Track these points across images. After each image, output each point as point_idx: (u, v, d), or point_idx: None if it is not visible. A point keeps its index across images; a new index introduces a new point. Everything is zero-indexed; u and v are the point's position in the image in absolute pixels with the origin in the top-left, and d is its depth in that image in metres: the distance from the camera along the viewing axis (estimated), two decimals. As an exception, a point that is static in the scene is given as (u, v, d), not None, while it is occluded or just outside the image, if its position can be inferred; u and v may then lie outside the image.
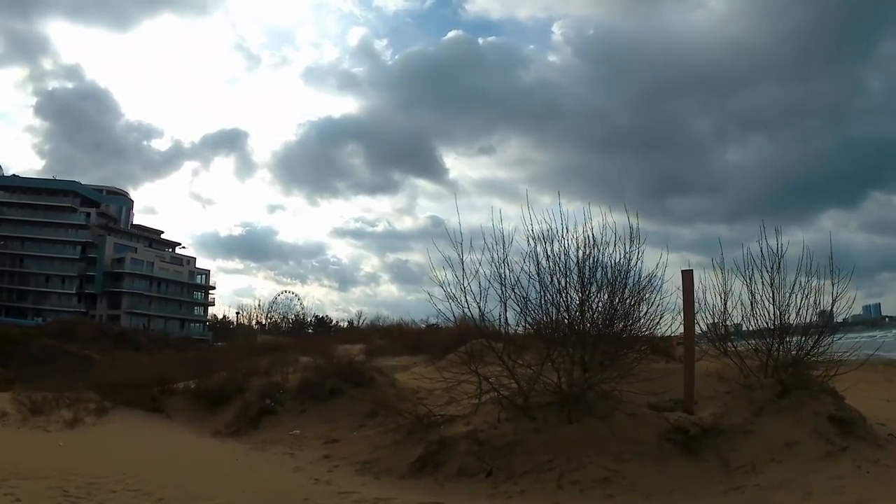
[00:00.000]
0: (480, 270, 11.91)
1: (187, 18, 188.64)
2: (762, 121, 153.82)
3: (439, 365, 16.00)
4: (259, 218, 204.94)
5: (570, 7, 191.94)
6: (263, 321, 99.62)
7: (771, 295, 11.75)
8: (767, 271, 11.70)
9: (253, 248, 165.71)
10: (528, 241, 11.92)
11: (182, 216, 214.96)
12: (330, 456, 12.69)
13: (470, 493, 9.70)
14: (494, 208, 11.91)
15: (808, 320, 11.73)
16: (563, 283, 11.77)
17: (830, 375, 11.24)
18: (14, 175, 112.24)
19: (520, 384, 11.46)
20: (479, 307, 12.02)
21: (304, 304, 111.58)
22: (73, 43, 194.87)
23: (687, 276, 11.84)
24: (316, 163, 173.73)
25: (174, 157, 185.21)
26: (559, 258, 11.80)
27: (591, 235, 11.73)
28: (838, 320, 12.23)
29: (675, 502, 8.93)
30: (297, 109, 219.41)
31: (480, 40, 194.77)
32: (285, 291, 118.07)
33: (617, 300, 11.84)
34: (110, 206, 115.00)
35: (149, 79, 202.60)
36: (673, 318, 12.41)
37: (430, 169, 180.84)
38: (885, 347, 19.25)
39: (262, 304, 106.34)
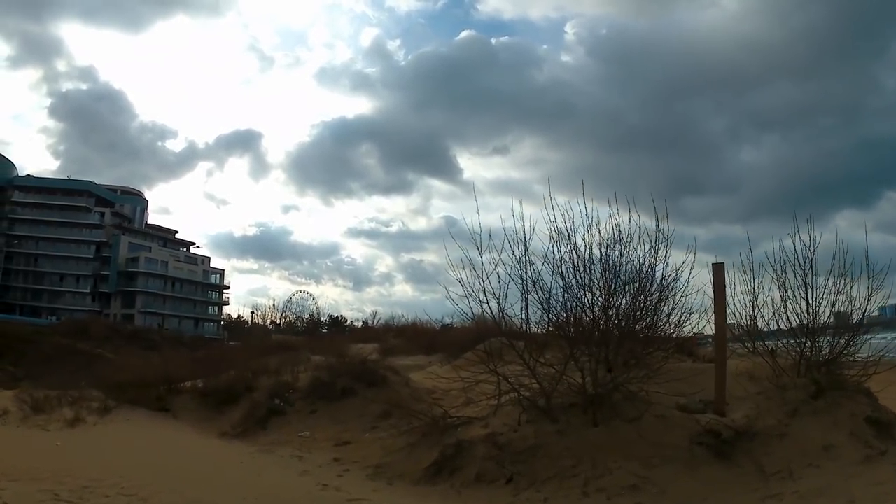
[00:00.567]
0: (499, 268, 11.38)
1: (200, 20, 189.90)
2: (776, 120, 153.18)
3: (456, 364, 15.43)
4: (273, 218, 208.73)
5: (583, 6, 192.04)
6: (278, 321, 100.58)
7: (804, 291, 11.13)
8: (800, 266, 11.09)
9: (267, 248, 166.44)
10: (551, 235, 11.39)
11: (196, 216, 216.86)
12: (340, 459, 12.16)
13: (489, 501, 9.26)
14: (514, 202, 11.34)
15: (841, 318, 11.25)
16: (586, 279, 11.23)
17: (869, 375, 10.71)
18: (29, 175, 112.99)
19: (541, 384, 10.90)
20: (499, 304, 11.42)
21: (319, 303, 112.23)
22: (86, 45, 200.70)
23: (718, 269, 11.14)
24: (330, 163, 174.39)
25: (188, 157, 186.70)
26: (583, 254, 11.27)
27: (616, 231, 11.21)
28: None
29: (710, 510, 8.33)
30: (311, 110, 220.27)
31: (493, 40, 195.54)
32: (300, 291, 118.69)
33: (643, 297, 11.21)
34: (125, 205, 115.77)
35: (163, 80, 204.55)
36: (699, 315, 11.75)
37: (444, 169, 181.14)
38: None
39: (276, 304, 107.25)
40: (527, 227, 11.31)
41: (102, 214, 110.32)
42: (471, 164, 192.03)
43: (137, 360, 23.75)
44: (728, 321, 11.46)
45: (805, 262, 11.04)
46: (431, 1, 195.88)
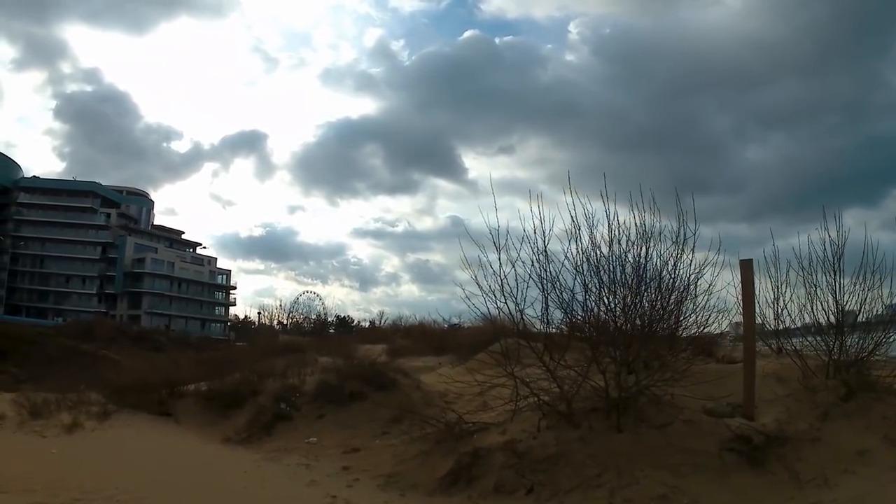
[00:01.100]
0: (515, 268, 10.82)
1: (203, 21, 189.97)
2: (781, 118, 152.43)
3: (469, 366, 14.99)
4: (279, 219, 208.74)
5: (586, 6, 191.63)
6: (285, 321, 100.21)
7: (833, 288, 10.73)
8: (829, 262, 10.69)
9: (273, 248, 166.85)
10: (568, 231, 10.77)
11: (202, 217, 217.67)
12: (349, 468, 11.60)
13: (508, 512, 8.62)
14: (530, 198, 10.64)
15: (869, 317, 10.87)
16: (608, 277, 10.67)
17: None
18: (34, 177, 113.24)
19: (561, 388, 10.35)
20: (516, 302, 10.85)
21: (326, 304, 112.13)
22: (91, 47, 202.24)
23: (746, 266, 10.66)
24: (335, 163, 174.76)
25: (194, 158, 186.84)
26: (604, 251, 10.70)
27: (641, 226, 10.67)
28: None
29: (745, 522, 7.93)
30: (316, 110, 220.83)
31: (497, 40, 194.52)
32: (307, 292, 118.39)
33: (667, 295, 10.66)
34: (130, 206, 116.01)
35: (167, 82, 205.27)
36: (721, 315, 11.44)
37: (450, 169, 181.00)
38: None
39: (283, 305, 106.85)
40: (543, 224, 10.71)
41: (108, 215, 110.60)
42: (476, 164, 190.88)
43: (139, 362, 23.14)
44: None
45: (834, 259, 10.66)
46: (435, 1, 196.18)
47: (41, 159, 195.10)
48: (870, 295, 10.66)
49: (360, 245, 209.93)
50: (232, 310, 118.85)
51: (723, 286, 10.96)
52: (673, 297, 10.64)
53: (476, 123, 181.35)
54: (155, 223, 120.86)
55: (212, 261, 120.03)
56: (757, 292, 10.89)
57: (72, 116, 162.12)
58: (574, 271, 10.79)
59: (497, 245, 10.64)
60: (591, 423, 9.83)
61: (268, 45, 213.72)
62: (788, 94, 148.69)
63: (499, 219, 10.58)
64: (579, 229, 10.61)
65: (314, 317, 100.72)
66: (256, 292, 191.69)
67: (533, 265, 10.71)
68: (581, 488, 8.86)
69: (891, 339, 10.85)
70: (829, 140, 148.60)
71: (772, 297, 11.15)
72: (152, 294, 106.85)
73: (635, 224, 10.66)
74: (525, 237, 10.63)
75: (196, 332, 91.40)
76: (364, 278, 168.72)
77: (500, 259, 10.67)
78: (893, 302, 10.84)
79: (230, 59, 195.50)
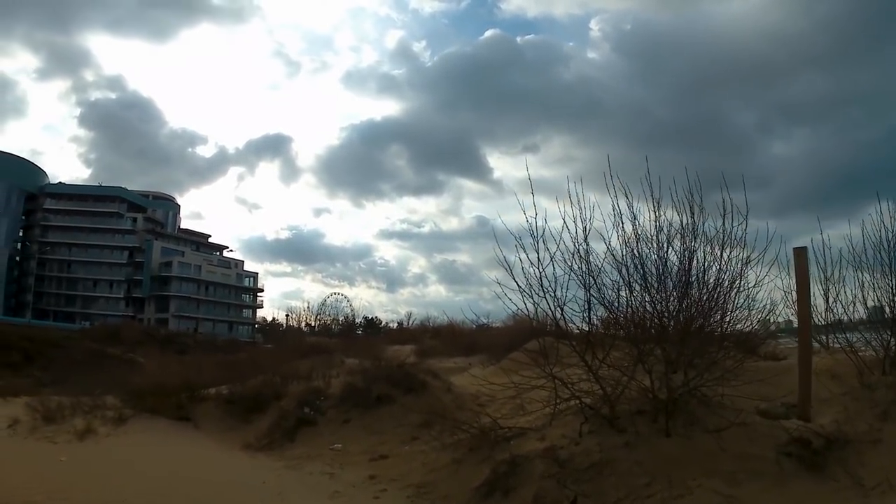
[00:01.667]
0: (554, 262, 9.99)
1: (225, 27, 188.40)
2: (805, 112, 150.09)
3: (502, 366, 14.43)
4: (305, 221, 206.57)
5: (606, 2, 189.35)
6: (313, 323, 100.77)
7: (892, 280, 9.93)
8: (886, 251, 9.96)
9: (300, 251, 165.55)
10: (612, 215, 9.89)
11: (229, 221, 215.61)
12: (376, 477, 10.88)
13: (551, 527, 7.94)
14: (573, 189, 9.85)
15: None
16: (657, 270, 9.90)
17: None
18: (60, 182, 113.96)
19: (604, 389, 9.53)
20: (556, 297, 9.97)
21: (353, 305, 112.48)
22: (114, 55, 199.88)
23: (800, 254, 9.81)
24: (360, 165, 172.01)
25: (219, 162, 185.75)
26: (650, 243, 9.91)
27: (689, 219, 9.80)
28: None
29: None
30: (339, 113, 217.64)
31: (518, 39, 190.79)
32: (334, 293, 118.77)
33: (717, 290, 9.81)
34: (157, 210, 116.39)
35: (191, 87, 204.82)
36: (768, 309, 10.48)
37: (475, 169, 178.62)
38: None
39: (311, 307, 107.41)
40: (584, 212, 9.93)
41: (135, 220, 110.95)
42: (501, 164, 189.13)
43: (158, 365, 22.62)
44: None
45: (891, 248, 9.91)
46: (455, 1, 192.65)
47: (67, 166, 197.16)
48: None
49: (386, 246, 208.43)
50: (259, 312, 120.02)
51: (767, 281, 10.10)
52: (720, 291, 9.83)
53: (499, 123, 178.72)
54: (181, 227, 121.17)
55: (239, 263, 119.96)
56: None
57: (96, 123, 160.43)
58: (618, 263, 9.99)
59: (535, 235, 9.86)
60: (637, 428, 9.04)
61: (289, 49, 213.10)
62: (811, 88, 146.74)
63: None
64: (621, 218, 9.85)
65: (342, 318, 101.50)
66: (284, 294, 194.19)
67: (574, 258, 9.92)
68: (629, 499, 8.07)
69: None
70: (854, 133, 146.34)
71: (822, 289, 10.49)
72: (179, 297, 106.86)
73: (680, 219, 9.92)
74: (564, 226, 9.88)
75: (223, 335, 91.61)
76: (391, 279, 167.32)
77: (537, 250, 9.88)
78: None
79: (252, 63, 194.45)
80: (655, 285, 9.88)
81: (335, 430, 14.16)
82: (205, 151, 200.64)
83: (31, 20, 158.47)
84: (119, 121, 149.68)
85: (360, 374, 15.98)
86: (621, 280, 10.01)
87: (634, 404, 9.41)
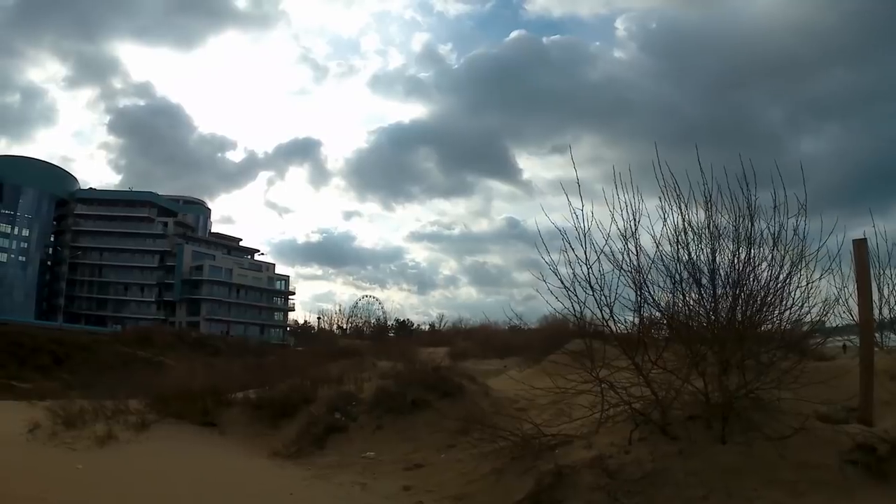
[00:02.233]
0: (600, 259, 9.34)
1: (251, 33, 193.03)
2: (834, 108, 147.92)
3: (542, 369, 13.66)
4: (336, 224, 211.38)
5: (632, 1, 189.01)
6: (344, 325, 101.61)
7: None
8: None
9: (331, 254, 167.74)
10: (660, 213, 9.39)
11: (259, 225, 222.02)
12: (411, 488, 10.16)
13: (602, 544, 7.41)
14: (615, 171, 9.28)
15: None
16: (708, 267, 9.29)
17: None
18: (91, 188, 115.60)
19: (656, 394, 8.79)
20: (605, 295, 9.30)
21: (385, 308, 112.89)
22: (141, 62, 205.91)
23: (860, 246, 9.20)
24: (389, 168, 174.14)
25: (249, 167, 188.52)
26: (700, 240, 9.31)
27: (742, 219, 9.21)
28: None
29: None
30: (367, 116, 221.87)
31: (544, 39, 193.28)
32: (366, 296, 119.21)
33: (771, 288, 9.17)
34: (188, 215, 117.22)
35: (219, 93, 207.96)
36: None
37: (504, 170, 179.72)
38: None
39: (342, 309, 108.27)
40: (633, 201, 9.32)
41: (165, 224, 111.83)
42: (530, 165, 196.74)
43: (186, 367, 22.10)
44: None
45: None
46: (479, 3, 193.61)
47: (98, 173, 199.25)
48: None
49: (416, 249, 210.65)
50: (291, 315, 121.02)
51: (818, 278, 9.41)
52: (775, 288, 9.19)
53: (528, 124, 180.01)
54: (212, 231, 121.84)
55: (270, 266, 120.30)
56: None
57: (126, 130, 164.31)
58: (671, 260, 9.38)
59: (581, 227, 9.20)
60: (691, 434, 8.39)
61: (316, 54, 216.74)
62: (840, 83, 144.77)
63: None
64: (670, 214, 9.33)
65: (373, 321, 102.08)
66: (315, 297, 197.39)
67: (624, 255, 9.27)
68: (685, 512, 7.83)
69: None
70: (884, 128, 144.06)
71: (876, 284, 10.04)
72: (211, 301, 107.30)
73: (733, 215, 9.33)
74: (613, 221, 9.20)
75: (255, 338, 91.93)
76: (422, 281, 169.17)
77: (584, 245, 9.26)
78: None
79: (280, 69, 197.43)
80: (708, 283, 9.27)
81: (367, 437, 13.56)
82: (234, 156, 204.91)
83: (59, 30, 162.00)
84: (148, 127, 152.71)
85: (394, 377, 15.34)
86: (671, 278, 9.41)
87: (686, 409, 8.76)
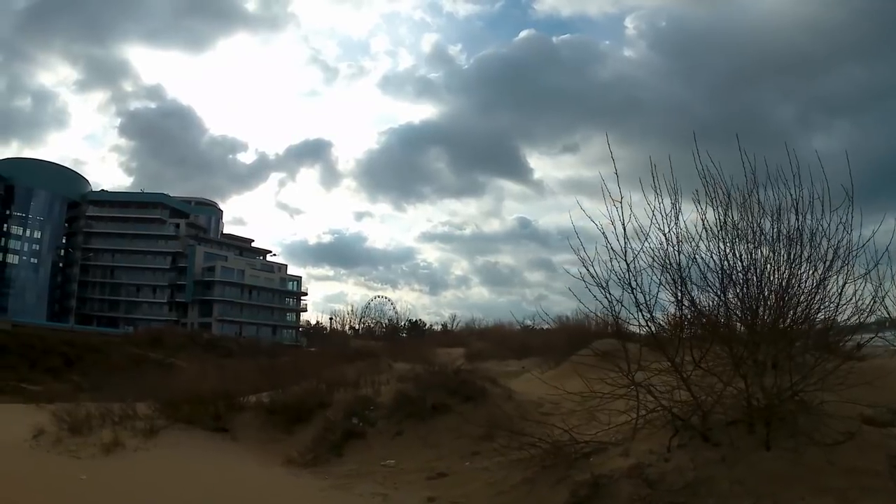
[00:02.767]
0: (638, 255, 8.97)
1: (260, 35, 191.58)
2: (846, 105, 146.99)
3: (567, 370, 13.69)
4: (347, 225, 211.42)
5: (641, 0, 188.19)
6: (357, 326, 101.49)
7: None
8: None
9: (342, 254, 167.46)
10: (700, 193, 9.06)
11: (271, 226, 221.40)
12: (436, 499, 9.66)
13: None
14: (652, 165, 8.94)
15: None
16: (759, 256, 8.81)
17: None
18: (103, 190, 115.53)
19: (695, 397, 8.30)
20: (644, 293, 8.88)
21: (397, 308, 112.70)
22: (151, 65, 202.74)
23: None
24: (400, 169, 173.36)
25: (260, 169, 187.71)
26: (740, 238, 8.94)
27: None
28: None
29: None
30: (378, 117, 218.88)
31: (554, 38, 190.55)
32: (378, 296, 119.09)
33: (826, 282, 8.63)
34: (199, 216, 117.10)
35: (230, 95, 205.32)
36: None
37: (515, 170, 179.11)
38: None
39: (354, 309, 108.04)
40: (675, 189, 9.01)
41: (177, 225, 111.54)
42: (541, 164, 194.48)
43: (197, 369, 21.58)
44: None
45: None
46: (488, 3, 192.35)
47: (109, 175, 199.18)
48: None
49: (428, 249, 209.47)
50: (303, 316, 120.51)
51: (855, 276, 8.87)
52: (817, 285, 8.73)
53: (538, 123, 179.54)
54: (224, 232, 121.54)
55: (282, 267, 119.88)
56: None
57: (137, 133, 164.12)
58: (714, 254, 8.94)
59: (621, 213, 8.70)
60: (733, 440, 7.92)
61: (326, 55, 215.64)
62: (851, 80, 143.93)
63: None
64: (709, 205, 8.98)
65: (386, 321, 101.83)
66: (327, 298, 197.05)
67: (665, 252, 8.86)
68: (731, 524, 7.11)
69: None
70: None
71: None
72: (223, 302, 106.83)
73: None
74: (652, 221, 8.86)
75: (267, 339, 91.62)
76: (434, 282, 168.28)
77: (625, 238, 8.74)
78: None
79: (290, 70, 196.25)
80: (750, 278, 8.82)
81: (387, 444, 13.06)
82: (245, 158, 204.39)
83: (69, 34, 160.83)
84: (159, 129, 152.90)
85: (412, 380, 14.86)
86: (714, 275, 8.94)
87: (728, 413, 8.28)
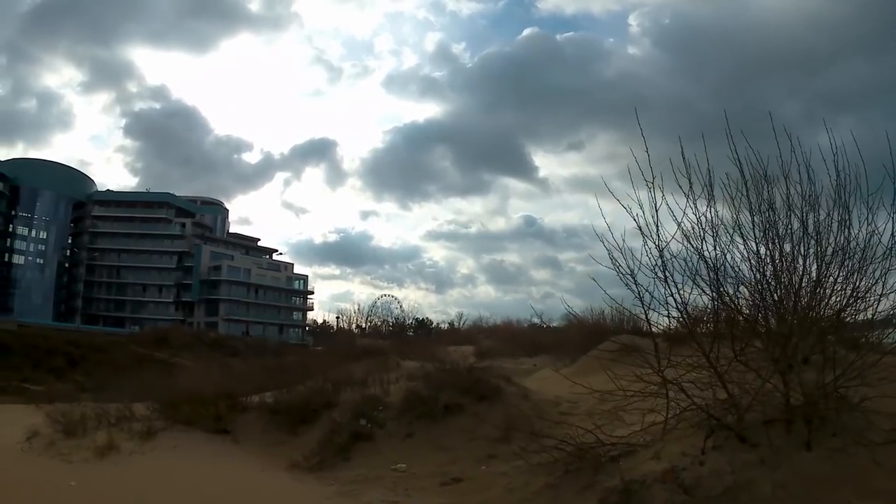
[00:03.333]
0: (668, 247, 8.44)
1: (264, 36, 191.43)
2: (851, 100, 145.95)
3: (581, 367, 13.34)
4: (353, 224, 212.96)
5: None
6: (364, 324, 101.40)
7: None
8: None
9: (348, 253, 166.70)
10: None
11: (276, 225, 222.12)
12: None
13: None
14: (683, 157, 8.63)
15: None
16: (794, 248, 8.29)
17: None
18: (108, 190, 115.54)
19: (731, 395, 7.69)
20: (675, 283, 8.29)
21: (404, 306, 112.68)
22: (155, 66, 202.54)
23: None
24: (405, 168, 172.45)
25: (265, 168, 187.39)
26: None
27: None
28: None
29: None
30: (383, 116, 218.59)
31: (557, 36, 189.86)
32: (385, 295, 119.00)
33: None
34: (205, 215, 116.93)
35: (234, 96, 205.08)
36: None
37: (520, 168, 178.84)
38: None
39: (361, 308, 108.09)
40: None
41: (183, 225, 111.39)
42: (546, 162, 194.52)
43: (198, 368, 20.98)
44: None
45: None
46: (492, 2, 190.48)
47: (115, 176, 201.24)
48: None
49: (434, 248, 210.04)
50: (310, 315, 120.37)
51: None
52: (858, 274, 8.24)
53: (543, 121, 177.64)
54: (230, 231, 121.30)
55: (288, 266, 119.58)
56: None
57: (142, 133, 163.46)
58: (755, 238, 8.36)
59: (652, 194, 8.14)
60: (771, 440, 7.30)
61: (330, 55, 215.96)
62: (857, 75, 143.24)
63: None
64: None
65: (393, 320, 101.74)
66: (333, 297, 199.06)
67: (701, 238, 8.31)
68: (777, 532, 6.51)
69: None
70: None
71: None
72: (229, 301, 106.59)
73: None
74: (687, 205, 8.48)
75: (274, 338, 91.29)
76: (440, 280, 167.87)
77: (657, 224, 8.18)
78: None
79: (294, 70, 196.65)
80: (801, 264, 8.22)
81: (397, 446, 12.35)
82: (250, 158, 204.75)
83: (73, 36, 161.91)
84: (164, 130, 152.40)
85: (423, 379, 14.14)
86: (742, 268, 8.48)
87: (766, 412, 7.62)
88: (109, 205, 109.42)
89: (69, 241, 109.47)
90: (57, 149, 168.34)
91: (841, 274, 8.13)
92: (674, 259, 8.32)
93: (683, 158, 8.51)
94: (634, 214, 8.28)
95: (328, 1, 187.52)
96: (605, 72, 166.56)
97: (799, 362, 7.73)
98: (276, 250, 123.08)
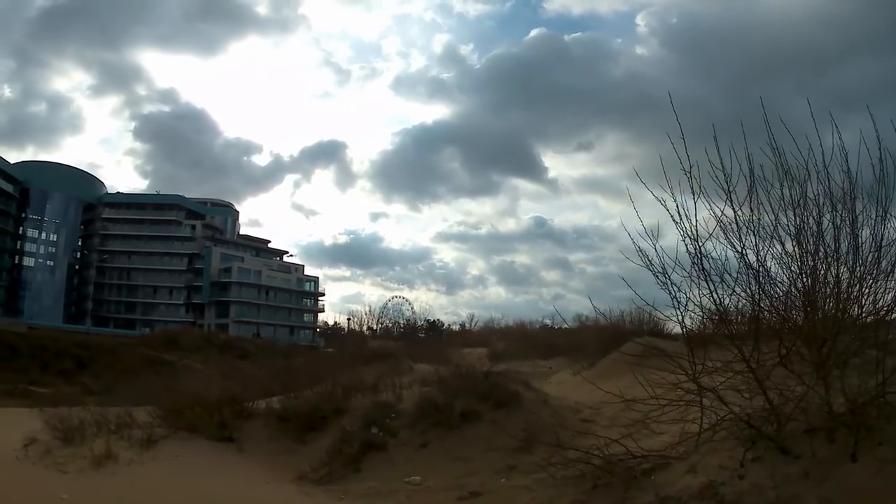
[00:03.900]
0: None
1: (272, 38, 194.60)
2: (860, 99, 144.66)
3: (600, 371, 13.20)
4: (363, 226, 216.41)
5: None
6: (374, 326, 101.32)
7: None
8: None
9: (358, 255, 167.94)
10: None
11: (286, 227, 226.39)
12: None
13: None
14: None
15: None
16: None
17: None
18: (118, 192, 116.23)
19: (771, 402, 7.27)
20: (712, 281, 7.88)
21: (414, 308, 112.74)
22: (165, 69, 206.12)
23: None
24: (414, 169, 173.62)
25: (275, 170, 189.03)
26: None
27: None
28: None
29: None
30: (391, 118, 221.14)
31: (565, 37, 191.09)
32: (396, 296, 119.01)
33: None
34: (215, 217, 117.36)
35: (243, 98, 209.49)
36: None
37: (529, 169, 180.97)
38: None
39: (371, 310, 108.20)
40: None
41: (193, 227, 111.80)
42: (555, 163, 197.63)
43: (204, 372, 20.42)
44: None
45: None
46: (499, 3, 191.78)
47: (125, 178, 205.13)
48: None
49: (444, 249, 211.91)
50: (321, 316, 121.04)
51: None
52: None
53: (552, 122, 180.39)
54: (240, 233, 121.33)
55: (299, 268, 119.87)
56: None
57: (151, 136, 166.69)
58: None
59: (691, 185, 7.94)
60: (814, 451, 6.86)
61: (338, 57, 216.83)
62: (866, 73, 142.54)
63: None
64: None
65: (403, 321, 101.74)
66: (344, 299, 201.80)
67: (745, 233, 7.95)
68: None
69: None
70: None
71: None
72: (240, 303, 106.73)
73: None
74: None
75: (284, 340, 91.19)
76: (450, 282, 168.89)
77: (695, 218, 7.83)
78: None
79: (302, 73, 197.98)
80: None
81: (410, 457, 11.63)
82: (260, 160, 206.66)
83: (82, 40, 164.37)
84: (173, 132, 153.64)
85: (437, 384, 13.51)
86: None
87: (808, 421, 7.15)
88: (119, 207, 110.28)
89: (79, 243, 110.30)
90: (67, 152, 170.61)
91: (882, 272, 7.61)
92: (709, 258, 7.90)
93: (719, 156, 8.40)
94: (669, 212, 7.89)
95: (335, 3, 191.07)
96: (613, 72, 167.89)
97: (842, 365, 7.18)
98: (287, 252, 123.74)
